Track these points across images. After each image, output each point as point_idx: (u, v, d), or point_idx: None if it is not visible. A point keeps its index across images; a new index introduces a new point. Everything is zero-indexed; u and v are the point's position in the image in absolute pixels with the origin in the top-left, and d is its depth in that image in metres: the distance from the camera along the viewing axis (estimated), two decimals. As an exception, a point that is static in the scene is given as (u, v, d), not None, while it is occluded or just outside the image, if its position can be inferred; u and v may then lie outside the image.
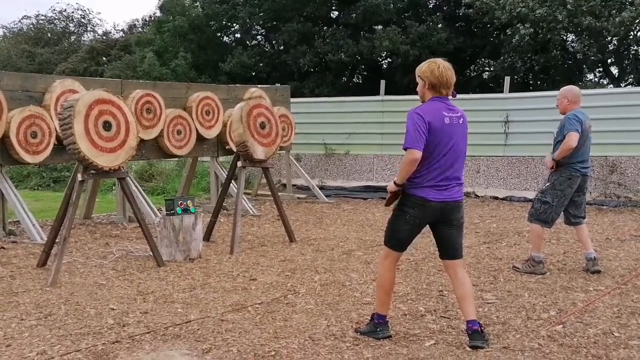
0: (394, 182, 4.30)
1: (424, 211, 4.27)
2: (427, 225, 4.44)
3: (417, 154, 4.13)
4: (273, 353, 4.14)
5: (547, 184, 6.49)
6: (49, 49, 29.15)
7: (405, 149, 4.19)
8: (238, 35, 23.10)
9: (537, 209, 6.46)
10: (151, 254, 6.92)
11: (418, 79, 4.36)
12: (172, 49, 20.86)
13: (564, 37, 18.28)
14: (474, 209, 11.21)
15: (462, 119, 4.31)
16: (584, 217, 6.66)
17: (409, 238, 4.42)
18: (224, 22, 22.03)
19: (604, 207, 11.37)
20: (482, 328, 4.37)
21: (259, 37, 23.49)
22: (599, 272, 6.36)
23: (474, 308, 4.44)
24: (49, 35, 31.15)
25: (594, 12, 16.48)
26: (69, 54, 28.11)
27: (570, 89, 6.53)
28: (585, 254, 6.53)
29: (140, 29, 27.70)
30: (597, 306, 5.23)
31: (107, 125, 6.57)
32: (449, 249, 4.45)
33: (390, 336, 4.47)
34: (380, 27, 19.87)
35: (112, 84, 9.67)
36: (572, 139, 6.17)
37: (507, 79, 13.46)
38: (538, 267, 6.38)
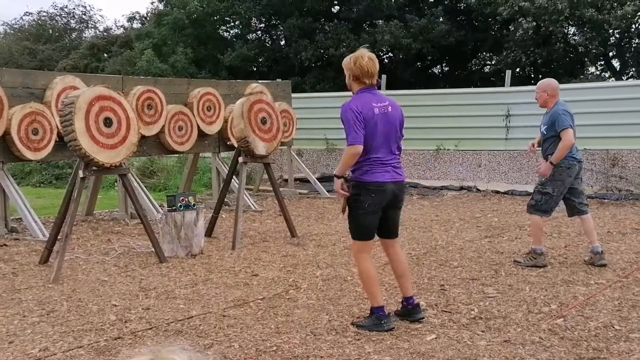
0: (336, 175, 4.53)
1: (382, 195, 4.47)
2: None
3: (359, 148, 4.39)
4: (275, 348, 4.15)
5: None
6: (50, 46, 29.11)
7: (348, 144, 4.43)
8: (238, 31, 23.06)
9: (538, 201, 6.46)
10: (153, 250, 6.94)
11: (345, 71, 4.63)
12: (170, 42, 20.81)
13: (566, 30, 18.23)
14: (476, 203, 11.22)
15: (390, 107, 4.55)
16: (587, 205, 6.68)
17: (375, 225, 4.58)
18: (224, 18, 21.99)
19: (606, 200, 11.34)
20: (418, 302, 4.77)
21: (259, 32, 23.44)
22: (604, 265, 6.36)
23: (411, 284, 4.82)
24: (50, 32, 31.10)
25: (596, 4, 16.44)
26: (70, 50, 28.09)
27: (549, 82, 6.56)
28: (592, 248, 6.51)
29: (139, 24, 27.62)
30: (598, 299, 5.23)
31: (107, 122, 6.58)
32: (391, 229, 4.71)
33: (394, 328, 4.50)
34: (381, 21, 19.81)
35: (113, 80, 9.67)
36: (570, 136, 6.19)
37: (509, 73, 13.44)
38: (539, 259, 6.39)
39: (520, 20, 16.73)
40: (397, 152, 4.60)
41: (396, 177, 4.53)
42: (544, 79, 6.73)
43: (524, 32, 16.61)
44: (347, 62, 4.57)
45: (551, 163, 6.29)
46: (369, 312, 4.66)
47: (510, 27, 17.33)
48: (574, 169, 6.41)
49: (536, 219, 6.50)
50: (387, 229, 4.68)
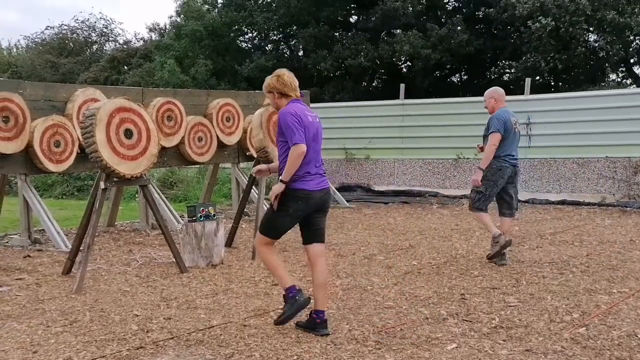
0: (281, 180, 4.59)
1: (307, 202, 4.61)
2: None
3: (304, 147, 4.53)
4: (295, 357, 4.15)
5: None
6: (72, 59, 29.49)
7: (292, 145, 4.52)
8: (256, 42, 23.21)
9: (473, 198, 7.00)
10: (174, 260, 6.98)
11: (268, 95, 4.84)
12: (191, 54, 21.02)
13: (586, 37, 18.10)
14: (496, 212, 11.12)
15: (317, 119, 4.75)
16: (516, 209, 7.24)
17: (288, 229, 4.75)
18: (242, 28, 22.16)
19: (628, 208, 11.23)
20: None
21: (277, 42, 23.56)
22: (502, 254, 6.84)
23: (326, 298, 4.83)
24: (72, 45, 31.51)
25: (617, 7, 16.29)
26: (91, 63, 28.44)
27: (495, 89, 7.16)
28: (498, 235, 6.91)
29: (160, 36, 27.90)
30: (621, 308, 5.18)
31: (128, 133, 6.65)
32: (318, 234, 4.80)
33: (309, 299, 4.72)
34: (399, 31, 19.81)
35: (133, 92, 9.79)
36: (494, 139, 6.77)
37: (528, 81, 13.37)
38: (500, 239, 6.77)
39: (539, 18, 16.56)
40: (321, 160, 4.80)
41: (323, 186, 4.70)
42: (491, 87, 7.29)
43: (542, 29, 16.40)
44: (268, 83, 4.78)
45: (479, 168, 6.86)
46: (389, 321, 4.65)
47: (528, 23, 17.14)
48: (505, 171, 6.86)
49: (479, 214, 6.96)
50: (310, 234, 4.78)
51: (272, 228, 4.73)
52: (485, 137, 7.01)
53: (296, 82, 4.81)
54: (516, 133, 7.00)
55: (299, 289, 4.71)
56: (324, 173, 4.81)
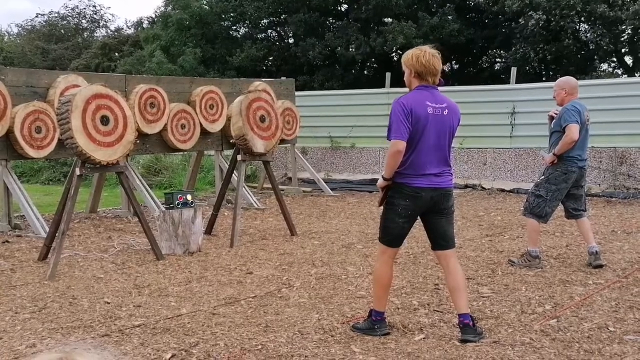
0: (383, 177, 4.27)
1: (415, 201, 4.21)
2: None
3: (401, 144, 4.10)
4: (260, 347, 4.12)
5: (542, 177, 6.36)
6: (62, 45, 29.31)
7: (389, 140, 4.17)
8: (247, 30, 23.06)
9: (531, 203, 6.33)
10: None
11: (404, 68, 4.31)
12: (177, 42, 20.87)
13: (577, 27, 18.04)
14: (480, 202, 11.12)
15: (446, 110, 4.23)
16: (584, 210, 6.49)
17: (403, 232, 4.34)
18: (232, 17, 22.00)
19: (613, 199, 11.21)
20: (475, 322, 4.33)
21: (268, 30, 23.42)
22: (601, 266, 6.21)
23: (466, 301, 4.40)
24: (62, 31, 31.34)
25: (607, 0, 16.25)
26: (82, 50, 28.29)
27: (567, 80, 6.40)
28: (588, 248, 6.38)
29: (147, 26, 27.72)
30: (595, 300, 5.14)
31: (104, 120, 6.59)
32: (439, 239, 4.39)
33: (389, 333, 4.37)
34: (390, 19, 19.69)
35: (116, 79, 9.71)
36: (573, 131, 6.00)
37: (514, 70, 13.30)
38: (534, 261, 6.26)
39: (530, 13, 16.55)
40: (446, 158, 4.28)
41: (436, 185, 4.22)
42: (563, 77, 6.58)
43: (535, 24, 16.40)
44: (408, 57, 4.24)
45: (554, 154, 6.18)
46: (361, 311, 4.60)
47: (520, 20, 17.11)
48: (571, 175, 6.21)
49: (532, 221, 6.35)
50: (432, 238, 4.42)
51: (385, 230, 4.33)
52: (552, 134, 6.31)
53: (437, 67, 4.22)
54: (588, 130, 6.27)
55: (384, 319, 4.39)
56: (445, 171, 4.27)
